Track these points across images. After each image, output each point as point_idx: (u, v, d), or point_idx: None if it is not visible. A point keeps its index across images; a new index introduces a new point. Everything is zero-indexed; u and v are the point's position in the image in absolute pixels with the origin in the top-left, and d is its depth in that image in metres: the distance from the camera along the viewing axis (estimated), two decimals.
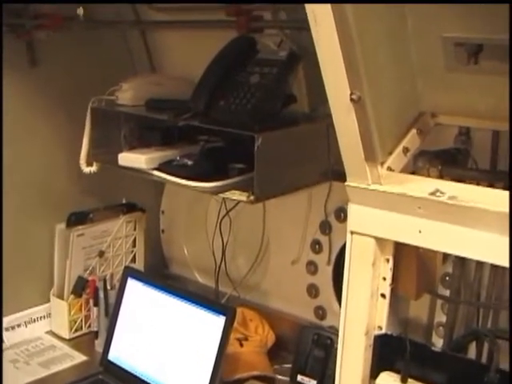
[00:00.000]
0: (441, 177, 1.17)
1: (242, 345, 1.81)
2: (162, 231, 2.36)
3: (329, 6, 0.87)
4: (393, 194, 1.02)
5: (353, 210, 1.09)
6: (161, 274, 2.28)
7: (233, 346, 1.78)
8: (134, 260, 2.15)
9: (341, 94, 0.96)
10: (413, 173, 1.16)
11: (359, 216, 1.09)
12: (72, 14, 1.80)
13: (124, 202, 2.13)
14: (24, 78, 1.88)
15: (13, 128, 1.88)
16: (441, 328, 1.48)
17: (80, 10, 1.83)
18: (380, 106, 0.98)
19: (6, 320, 1.94)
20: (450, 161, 1.22)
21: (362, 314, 1.12)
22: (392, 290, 1.18)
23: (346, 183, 1.07)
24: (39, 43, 1.89)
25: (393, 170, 1.08)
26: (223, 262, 2.07)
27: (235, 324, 1.82)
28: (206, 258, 2.12)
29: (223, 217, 2.01)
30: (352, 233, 1.11)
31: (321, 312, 1.87)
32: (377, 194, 1.04)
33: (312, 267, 1.88)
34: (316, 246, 1.85)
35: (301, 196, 1.81)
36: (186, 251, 2.28)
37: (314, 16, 0.90)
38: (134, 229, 2.15)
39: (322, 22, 0.89)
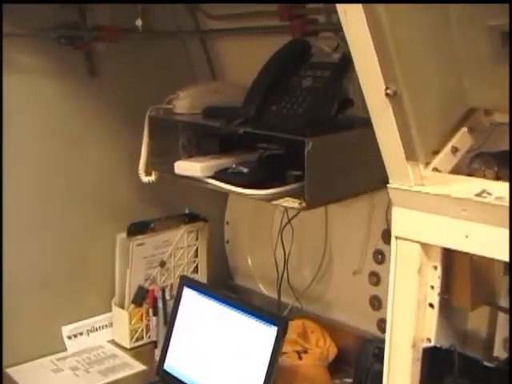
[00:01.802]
0: (497, 179, 1.09)
1: (300, 358, 1.76)
2: (227, 242, 2.34)
3: None
4: (436, 196, 0.96)
5: (396, 213, 1.03)
6: (225, 285, 2.26)
7: (291, 358, 1.74)
8: (196, 270, 2.13)
9: (375, 89, 0.91)
10: (469, 175, 1.08)
11: (403, 220, 1.03)
12: (131, 25, 1.79)
13: (187, 211, 2.12)
14: (84, 88, 1.91)
15: (74, 138, 1.92)
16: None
17: (139, 22, 1.83)
18: (420, 102, 0.92)
19: (68, 328, 1.97)
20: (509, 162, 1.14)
21: (408, 325, 1.06)
22: (445, 300, 1.10)
23: (388, 185, 1.01)
24: (98, 54, 1.92)
25: (439, 171, 1.01)
26: (286, 273, 2.02)
27: (295, 336, 1.79)
28: (269, 268, 2.08)
29: (284, 226, 1.97)
30: (396, 238, 1.05)
31: (383, 325, 1.78)
32: (420, 195, 0.97)
33: (374, 278, 1.81)
34: (379, 256, 1.79)
35: (362, 204, 1.75)
36: (250, 262, 2.25)
37: (343, 8, 0.85)
38: (196, 239, 2.13)
39: (350, 12, 0.84)
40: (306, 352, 1.79)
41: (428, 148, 0.97)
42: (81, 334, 1.98)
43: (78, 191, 1.95)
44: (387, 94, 0.90)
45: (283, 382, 1.61)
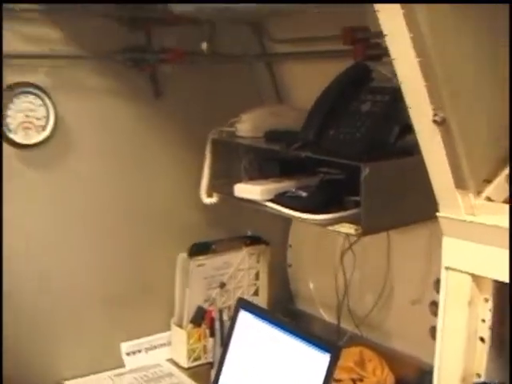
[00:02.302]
0: None
1: None
2: (289, 265, 2.33)
3: (403, 21, 0.81)
4: (487, 226, 0.93)
5: (447, 243, 1.01)
6: (286, 309, 2.25)
7: None
8: (256, 293, 2.13)
9: (423, 116, 0.89)
10: None
11: (453, 250, 1.00)
12: (196, 48, 1.82)
13: (249, 234, 2.12)
14: (149, 109, 1.95)
15: (138, 158, 1.97)
16: None
17: (204, 45, 1.86)
18: (468, 129, 0.89)
19: (127, 345, 2.00)
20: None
21: (457, 359, 1.03)
22: (498, 334, 1.07)
23: (437, 214, 0.98)
24: (163, 76, 1.95)
25: (492, 201, 0.98)
26: (346, 299, 1.99)
27: (351, 363, 1.77)
28: (330, 293, 2.06)
29: (345, 251, 1.94)
30: (447, 268, 1.02)
31: None
32: (470, 225, 0.95)
33: (435, 308, 1.76)
34: (439, 285, 1.73)
35: (423, 231, 1.71)
36: (311, 286, 2.23)
37: (389, 31, 0.84)
38: (258, 261, 2.13)
39: (396, 36, 0.83)
40: (361, 380, 1.76)
41: (479, 176, 0.94)
42: (139, 351, 2.01)
43: (141, 211, 1.99)
44: (435, 121, 0.89)
45: None
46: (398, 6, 0.83)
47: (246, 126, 1.82)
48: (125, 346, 2.00)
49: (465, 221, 0.96)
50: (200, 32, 1.84)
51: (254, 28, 2.04)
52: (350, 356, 1.80)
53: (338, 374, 1.72)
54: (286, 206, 1.61)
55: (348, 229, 1.46)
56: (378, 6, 0.86)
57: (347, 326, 2.00)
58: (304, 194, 1.63)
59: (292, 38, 1.95)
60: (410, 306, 1.84)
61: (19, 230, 1.78)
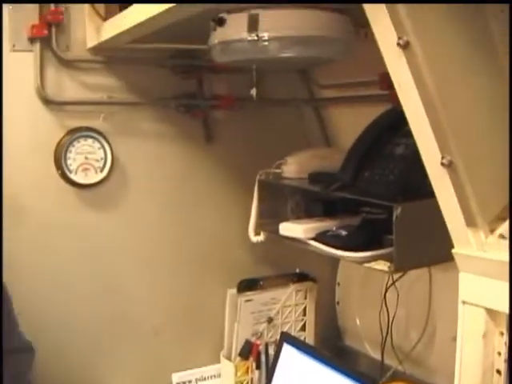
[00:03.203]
0: None
1: None
2: (337, 303, 2.38)
3: (410, 76, 0.89)
4: (497, 262, 0.98)
5: (462, 278, 1.06)
6: (333, 346, 2.29)
7: None
8: (303, 328, 2.19)
9: (432, 159, 0.96)
10: None
11: (468, 285, 1.06)
12: (246, 94, 1.92)
13: (297, 271, 2.19)
14: (200, 152, 2.07)
15: (190, 198, 2.08)
16: None
17: (253, 91, 1.95)
18: (475, 171, 0.96)
19: (178, 375, 2.09)
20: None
21: None
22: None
23: (452, 250, 1.05)
24: (214, 121, 2.07)
25: (505, 238, 1.04)
26: (389, 335, 2.03)
27: None
28: (375, 330, 2.10)
29: (388, 288, 1.99)
30: (463, 303, 1.08)
31: None
32: (482, 261, 1.01)
33: None
34: None
35: None
36: (358, 323, 2.28)
37: (397, 80, 0.92)
38: (305, 298, 2.19)
39: (404, 86, 0.91)
40: None
41: (489, 215, 1.00)
42: (190, 381, 2.09)
43: (192, 248, 2.10)
44: (443, 164, 0.96)
45: None
46: (404, 60, 0.91)
47: (292, 168, 1.91)
48: (176, 377, 2.09)
49: (477, 257, 1.01)
50: (249, 78, 1.92)
51: (301, 74, 2.14)
52: None
53: None
54: (327, 244, 1.67)
55: (382, 266, 1.52)
56: (387, 61, 0.94)
57: (391, 362, 2.03)
58: (344, 233, 1.69)
59: (336, 83, 2.04)
60: (452, 342, 1.87)
61: (78, 263, 1.91)
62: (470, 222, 1.01)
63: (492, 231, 1.04)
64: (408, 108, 0.96)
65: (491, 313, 1.05)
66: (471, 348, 1.08)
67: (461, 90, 0.94)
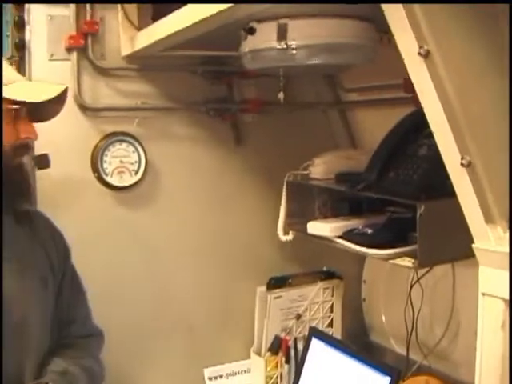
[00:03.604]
0: None
1: None
2: (363, 300, 2.45)
3: (430, 81, 0.96)
4: None
5: (482, 271, 1.13)
6: (360, 341, 2.36)
7: None
8: (330, 325, 2.26)
9: (453, 160, 1.03)
10: None
11: (487, 277, 1.12)
12: (273, 98, 2.00)
13: (324, 269, 2.26)
14: (230, 155, 2.16)
15: (221, 199, 2.17)
16: None
17: (281, 95, 2.03)
18: (493, 170, 1.02)
19: (210, 370, 2.17)
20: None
21: (495, 378, 1.13)
22: None
23: (473, 245, 1.11)
24: (244, 124, 2.15)
25: None
26: (414, 331, 2.09)
27: None
28: (400, 326, 2.16)
29: (413, 285, 2.05)
30: (483, 294, 1.14)
31: None
32: (499, 255, 1.07)
33: None
34: None
35: None
36: (383, 319, 2.34)
37: (420, 88, 0.99)
38: (332, 295, 2.26)
39: (425, 93, 0.98)
40: None
41: (505, 212, 1.07)
42: (221, 376, 2.17)
43: (223, 247, 2.19)
44: (462, 164, 1.02)
45: None
46: (425, 68, 0.98)
47: (319, 169, 1.98)
48: (208, 372, 2.17)
49: (495, 251, 1.07)
50: (276, 83, 2.00)
51: (327, 78, 2.22)
52: (416, 383, 1.89)
53: None
54: (354, 242, 1.74)
55: (407, 262, 1.58)
56: (409, 69, 1.02)
57: (416, 356, 2.10)
58: (370, 231, 1.76)
59: (361, 87, 2.11)
60: (475, 337, 1.92)
61: (113, 262, 2.00)
62: (489, 219, 1.07)
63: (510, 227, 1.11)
64: (429, 112, 1.03)
65: (508, 303, 1.11)
66: (490, 337, 1.14)
67: (478, 95, 1.01)
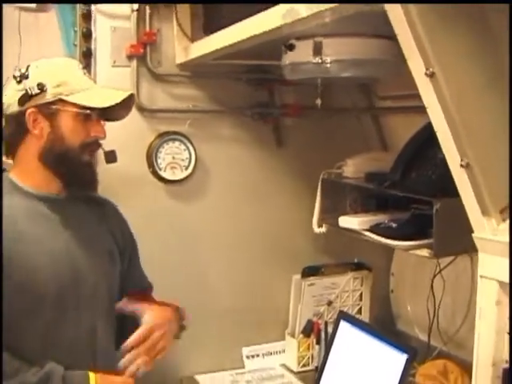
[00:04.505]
0: None
1: None
2: (391, 291, 2.64)
3: (435, 97, 1.17)
4: (507, 244, 1.24)
5: (481, 257, 1.32)
6: (388, 330, 2.54)
7: None
8: (359, 312, 2.47)
9: (454, 161, 1.23)
10: None
11: (485, 262, 1.31)
12: (312, 103, 2.20)
13: (355, 261, 2.47)
14: (272, 155, 2.38)
15: (261, 195, 2.39)
16: None
17: (318, 100, 2.23)
18: (488, 171, 1.22)
19: (248, 349, 2.40)
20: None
21: (489, 348, 1.33)
22: None
23: (472, 234, 1.31)
24: (284, 128, 2.37)
25: None
26: (436, 319, 2.28)
27: (435, 372, 2.05)
28: (423, 315, 2.35)
29: (435, 276, 2.24)
30: (481, 277, 1.34)
31: None
32: (494, 243, 1.26)
33: None
34: None
35: None
36: (409, 309, 2.53)
37: (427, 102, 1.21)
38: (361, 285, 2.47)
39: (431, 107, 1.19)
40: None
41: (499, 206, 1.26)
42: (257, 355, 2.39)
43: (262, 238, 2.41)
44: (461, 165, 1.23)
45: None
46: (431, 87, 1.19)
47: (351, 169, 2.19)
48: (246, 350, 2.40)
49: (491, 240, 1.27)
50: (314, 90, 2.20)
51: (361, 86, 2.42)
52: (434, 366, 2.08)
53: (423, 381, 2.03)
54: (379, 235, 1.94)
55: (424, 252, 1.78)
56: (418, 86, 1.22)
57: (437, 343, 2.29)
58: (394, 225, 1.95)
59: (393, 95, 2.31)
60: None
61: (166, 246, 2.23)
62: (485, 212, 1.27)
63: (503, 220, 1.30)
64: (435, 122, 1.23)
65: (502, 285, 1.31)
66: (487, 313, 1.33)
67: (475, 108, 1.21)
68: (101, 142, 1.71)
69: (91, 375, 1.57)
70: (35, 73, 1.63)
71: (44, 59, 1.68)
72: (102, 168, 1.88)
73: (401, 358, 1.81)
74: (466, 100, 1.20)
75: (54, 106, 1.61)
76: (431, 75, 1.19)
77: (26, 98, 1.61)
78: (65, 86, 1.61)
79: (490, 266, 1.31)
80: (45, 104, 1.61)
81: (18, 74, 1.64)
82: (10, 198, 1.61)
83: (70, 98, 1.61)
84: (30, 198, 1.64)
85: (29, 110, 1.61)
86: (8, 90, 1.66)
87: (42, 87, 1.60)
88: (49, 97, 1.61)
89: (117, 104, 1.66)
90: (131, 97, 1.71)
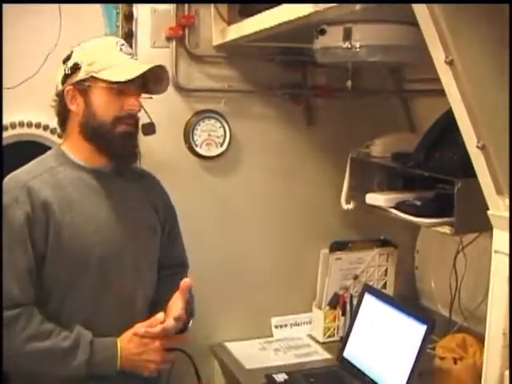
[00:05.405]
0: None
1: (455, 363, 2.10)
2: (416, 268, 2.73)
3: (454, 83, 1.26)
4: None
5: (495, 233, 1.41)
6: (412, 305, 2.63)
7: (448, 362, 2.09)
8: (384, 287, 2.56)
9: (471, 143, 1.32)
10: None
11: (499, 238, 1.40)
12: (343, 85, 2.27)
13: (382, 237, 2.56)
14: (302, 135, 2.48)
15: (291, 172, 2.50)
16: None
17: (349, 82, 2.31)
18: (502, 153, 1.31)
19: (276, 319, 2.52)
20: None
21: (500, 318, 1.42)
22: None
23: (488, 211, 1.40)
24: (315, 108, 2.46)
25: None
26: (457, 296, 2.37)
27: (454, 345, 2.14)
28: (446, 291, 2.44)
29: (457, 253, 2.32)
30: (495, 252, 1.43)
31: None
32: (506, 220, 1.36)
33: None
34: None
35: None
36: (432, 285, 2.62)
37: (447, 89, 1.30)
38: (387, 261, 2.56)
39: (451, 92, 1.28)
40: (461, 359, 2.11)
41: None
42: (285, 325, 2.51)
43: (292, 213, 2.51)
44: (478, 147, 1.32)
45: (440, 382, 1.99)
46: (450, 73, 1.28)
47: (378, 149, 2.27)
48: (274, 320, 2.51)
49: (504, 217, 1.36)
50: (345, 72, 2.27)
51: (390, 69, 2.50)
52: (454, 339, 2.17)
53: (442, 353, 2.11)
54: (404, 212, 2.03)
55: (446, 229, 1.87)
56: (439, 73, 1.31)
57: (458, 319, 2.37)
58: (419, 203, 2.03)
59: (421, 78, 2.38)
60: None
61: (202, 220, 2.35)
62: (499, 191, 1.35)
63: None
64: (454, 107, 1.32)
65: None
66: (499, 286, 1.43)
67: (491, 93, 1.29)
68: (139, 116, 1.81)
69: (119, 343, 1.71)
70: (77, 54, 1.75)
71: (89, 41, 1.79)
72: (144, 143, 1.98)
73: (421, 329, 1.90)
74: (482, 86, 1.29)
75: (86, 83, 1.73)
76: (450, 62, 1.27)
77: (65, 78, 1.75)
78: (96, 64, 1.72)
79: (503, 241, 1.39)
80: (79, 81, 1.73)
81: (65, 56, 1.77)
82: (64, 169, 1.75)
83: (98, 75, 1.71)
84: (80, 169, 1.77)
85: (67, 88, 1.73)
86: (58, 72, 1.78)
87: (76, 66, 1.72)
88: (82, 75, 1.72)
89: (149, 78, 1.76)
90: (163, 71, 1.80)
